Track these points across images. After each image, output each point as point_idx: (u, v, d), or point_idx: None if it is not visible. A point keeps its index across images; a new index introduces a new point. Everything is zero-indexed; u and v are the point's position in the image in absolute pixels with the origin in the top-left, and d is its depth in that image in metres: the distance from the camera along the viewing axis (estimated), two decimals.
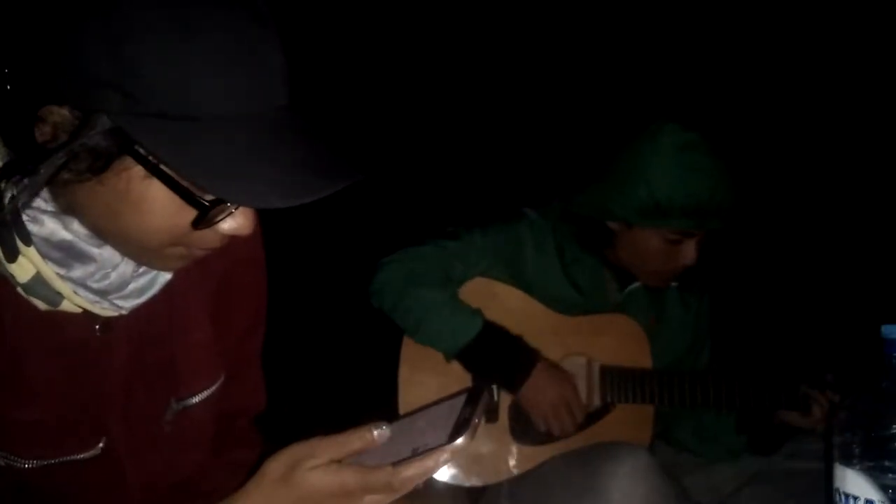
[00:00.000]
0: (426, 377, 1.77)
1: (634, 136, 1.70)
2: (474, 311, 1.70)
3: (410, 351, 1.78)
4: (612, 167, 1.72)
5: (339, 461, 0.82)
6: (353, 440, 0.83)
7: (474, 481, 1.74)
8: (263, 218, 1.06)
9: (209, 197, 0.76)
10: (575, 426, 1.71)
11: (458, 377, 1.75)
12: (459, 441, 0.79)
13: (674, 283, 1.85)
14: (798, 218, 3.10)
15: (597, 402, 1.77)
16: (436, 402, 0.91)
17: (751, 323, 2.82)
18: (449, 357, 1.71)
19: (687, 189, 1.61)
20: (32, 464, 0.95)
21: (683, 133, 1.64)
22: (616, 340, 1.79)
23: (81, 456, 0.97)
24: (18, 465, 0.94)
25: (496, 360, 1.69)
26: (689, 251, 1.69)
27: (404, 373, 1.79)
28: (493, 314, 1.72)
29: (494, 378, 1.73)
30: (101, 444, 0.98)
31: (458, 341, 1.68)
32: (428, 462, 0.80)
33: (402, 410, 1.78)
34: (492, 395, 1.75)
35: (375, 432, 0.83)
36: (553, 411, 1.68)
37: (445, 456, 0.80)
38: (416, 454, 0.80)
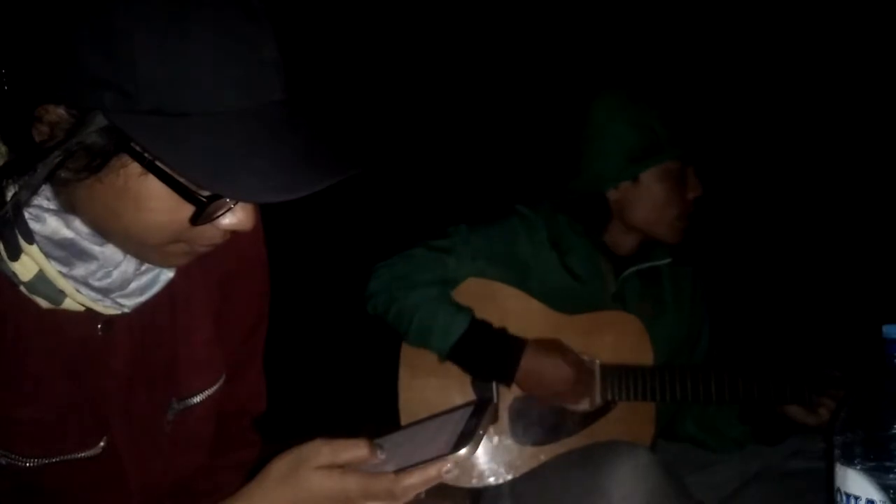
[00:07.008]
0: (426, 379, 1.77)
1: (587, 110, 1.81)
2: (462, 308, 1.70)
3: (410, 353, 1.78)
4: (586, 141, 1.80)
5: (342, 465, 0.82)
6: (359, 448, 0.83)
7: (474, 482, 1.74)
8: (265, 219, 1.07)
9: (206, 193, 0.76)
10: (585, 393, 1.72)
11: (457, 379, 1.76)
12: (462, 452, 0.80)
13: (667, 260, 1.86)
14: (799, 217, 3.10)
15: (598, 400, 1.77)
16: (442, 413, 0.93)
17: (751, 322, 2.82)
18: (442, 357, 1.71)
19: (660, 121, 1.74)
20: (33, 462, 0.94)
21: (621, 89, 1.81)
22: (616, 338, 1.79)
23: (82, 455, 0.97)
24: (19, 464, 0.94)
25: (485, 356, 1.69)
26: (693, 181, 1.78)
27: (404, 375, 1.79)
28: (492, 314, 1.72)
29: (487, 374, 1.73)
30: (101, 444, 0.98)
31: (448, 340, 1.68)
32: (430, 471, 0.80)
33: (402, 413, 1.78)
34: (497, 409, 1.75)
35: (378, 453, 0.84)
36: (559, 388, 1.70)
37: (448, 466, 0.80)
38: (419, 463, 0.81)
